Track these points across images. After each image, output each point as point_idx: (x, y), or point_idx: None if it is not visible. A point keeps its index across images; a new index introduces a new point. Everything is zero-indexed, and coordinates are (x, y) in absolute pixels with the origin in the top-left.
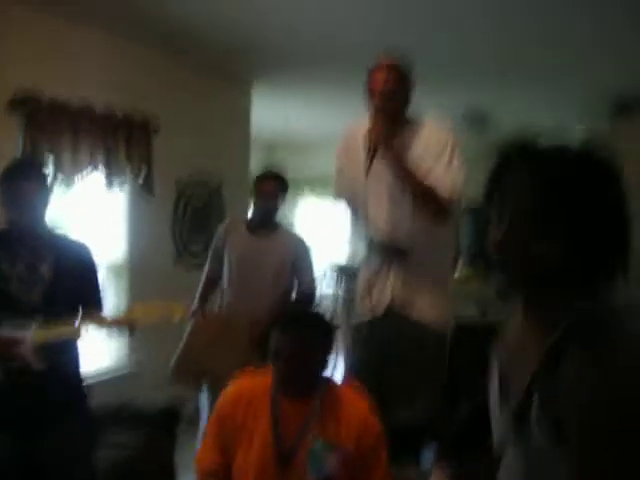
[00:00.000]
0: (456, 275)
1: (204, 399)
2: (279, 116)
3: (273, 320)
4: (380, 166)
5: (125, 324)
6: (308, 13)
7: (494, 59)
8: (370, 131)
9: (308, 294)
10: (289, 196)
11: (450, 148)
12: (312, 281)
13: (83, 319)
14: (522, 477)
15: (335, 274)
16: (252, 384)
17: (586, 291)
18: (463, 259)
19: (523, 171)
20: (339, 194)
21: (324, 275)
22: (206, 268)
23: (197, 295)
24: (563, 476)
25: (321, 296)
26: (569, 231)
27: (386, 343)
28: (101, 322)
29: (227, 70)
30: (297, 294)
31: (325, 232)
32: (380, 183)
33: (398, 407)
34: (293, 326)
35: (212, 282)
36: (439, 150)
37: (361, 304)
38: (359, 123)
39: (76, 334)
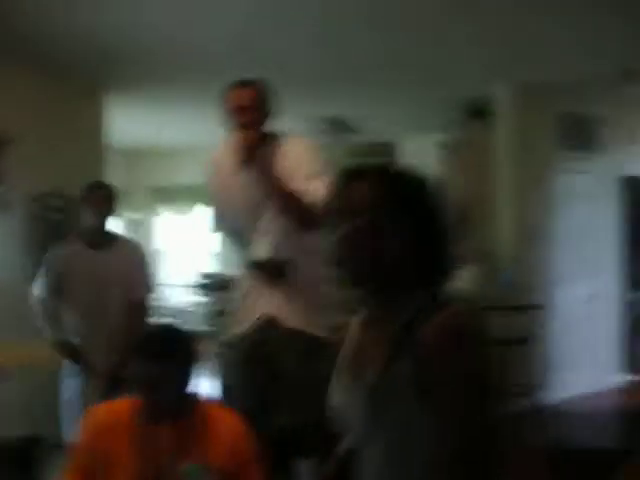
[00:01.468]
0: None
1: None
2: (140, 125)
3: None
4: (250, 181)
5: None
6: (165, 26)
7: (356, 69)
8: (235, 148)
9: (138, 303)
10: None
11: (310, 159)
12: (144, 289)
13: None
14: (383, 455)
15: (202, 285)
16: (109, 412)
17: (421, 287)
18: None
19: (363, 184)
20: (218, 225)
21: (188, 286)
22: (44, 298)
23: (51, 331)
24: (426, 433)
25: (182, 308)
26: (409, 231)
27: (271, 355)
28: None
29: (80, 81)
30: (128, 303)
31: (189, 241)
32: (254, 200)
33: (284, 418)
34: (149, 351)
35: (56, 313)
36: (301, 163)
37: (240, 316)
38: (222, 148)
39: None
